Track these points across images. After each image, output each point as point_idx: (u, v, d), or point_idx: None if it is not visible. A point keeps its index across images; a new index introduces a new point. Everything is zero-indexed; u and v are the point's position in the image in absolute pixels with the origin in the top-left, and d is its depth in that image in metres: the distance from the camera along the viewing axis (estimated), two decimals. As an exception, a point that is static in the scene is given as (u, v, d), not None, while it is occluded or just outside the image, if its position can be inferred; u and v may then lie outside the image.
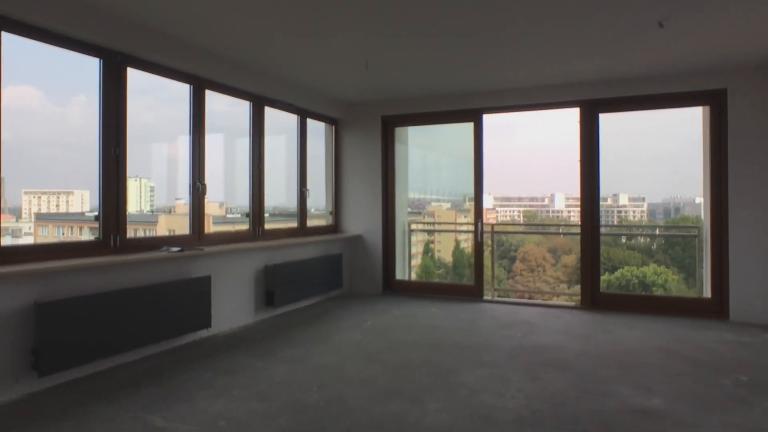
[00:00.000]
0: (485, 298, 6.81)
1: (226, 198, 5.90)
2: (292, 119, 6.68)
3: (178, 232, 5.08)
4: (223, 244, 5.27)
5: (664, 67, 5.48)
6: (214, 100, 5.31)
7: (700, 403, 3.33)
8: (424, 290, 7.16)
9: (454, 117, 6.90)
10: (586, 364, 4.15)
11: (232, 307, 5.30)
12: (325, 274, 6.69)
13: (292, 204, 6.80)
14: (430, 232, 11.52)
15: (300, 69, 5.62)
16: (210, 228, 5.26)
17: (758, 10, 3.97)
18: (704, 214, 6.20)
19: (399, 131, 7.47)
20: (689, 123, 6.45)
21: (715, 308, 5.71)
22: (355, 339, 4.91)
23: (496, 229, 7.49)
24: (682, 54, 5.06)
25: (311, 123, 6.95)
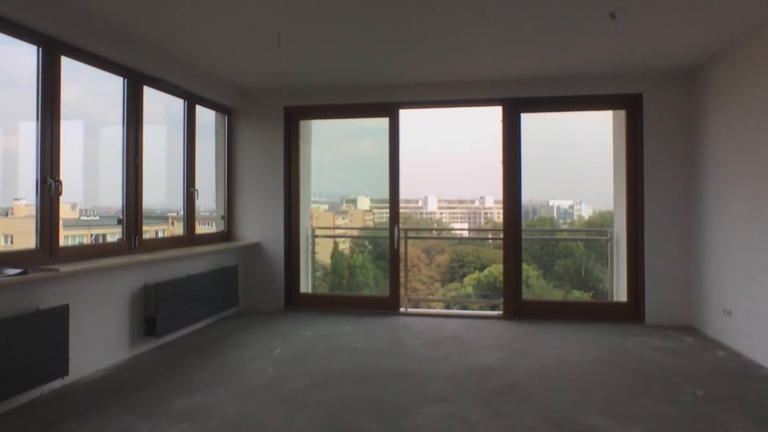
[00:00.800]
0: (401, 310, 6.16)
1: (86, 199, 4.55)
2: (178, 105, 5.45)
3: (18, 244, 3.71)
4: (87, 260, 3.97)
5: (585, 68, 5.30)
6: (74, 72, 3.99)
7: (681, 429, 2.95)
8: (333, 304, 6.33)
9: (367, 111, 6.17)
10: (541, 388, 3.65)
11: (100, 342, 4.03)
12: (219, 290, 5.56)
13: (176, 206, 5.57)
14: (334, 237, 10.65)
15: (190, 43, 4.49)
16: (60, 237, 3.94)
17: (675, 18, 3.96)
18: (616, 218, 6.17)
19: (304, 125, 6.55)
20: (599, 127, 6.42)
21: (632, 312, 5.65)
22: (266, 374, 3.95)
23: (410, 234, 6.89)
24: (604, 57, 4.93)
25: (201, 112, 5.77)
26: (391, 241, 6.12)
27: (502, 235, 6.15)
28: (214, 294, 5.46)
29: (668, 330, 5.28)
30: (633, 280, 5.66)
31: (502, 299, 5.97)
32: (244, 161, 6.37)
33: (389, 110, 6.07)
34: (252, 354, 4.46)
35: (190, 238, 5.50)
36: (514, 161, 5.79)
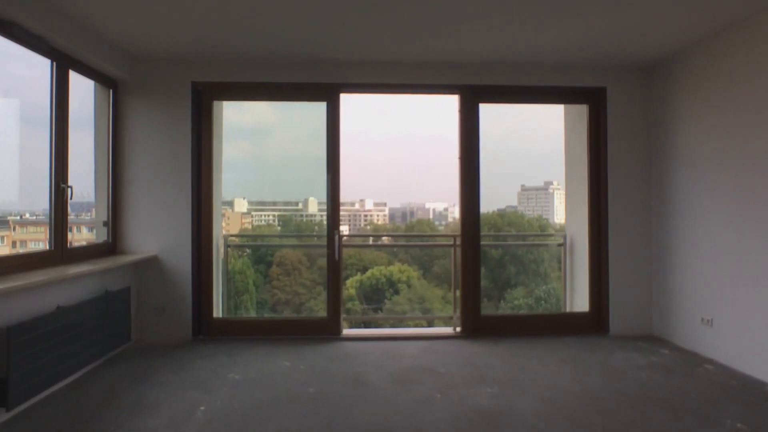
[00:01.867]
0: (343, 333, 5.08)
1: None
2: (44, 68, 3.83)
3: None
4: None
5: (547, 56, 4.74)
6: None
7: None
8: (257, 330, 5.04)
9: (301, 92, 5.00)
10: (572, 439, 2.86)
11: None
12: (104, 323, 4.03)
13: (38, 207, 3.95)
14: (254, 248, 9.34)
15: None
16: None
17: (645, 8, 3.59)
18: (568, 222, 5.71)
19: (219, 107, 5.18)
20: (551, 121, 5.95)
21: (594, 322, 5.18)
22: (198, 456, 2.67)
23: (346, 242, 5.82)
24: (567, 44, 4.41)
25: (77, 82, 4.16)
26: (330, 251, 5.01)
27: (452, 241, 5.40)
28: (97, 329, 3.92)
29: (637, 341, 4.86)
30: (596, 288, 5.19)
31: (456, 314, 5.17)
32: (137, 150, 4.82)
33: (328, 93, 4.96)
34: (164, 421, 3.10)
35: (60, 254, 3.89)
36: (472, 158, 5.02)
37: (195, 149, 4.89)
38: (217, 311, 5.17)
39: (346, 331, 5.09)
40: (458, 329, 5.12)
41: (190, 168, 4.85)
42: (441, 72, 4.95)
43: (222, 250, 5.37)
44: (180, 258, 4.83)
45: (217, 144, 5.13)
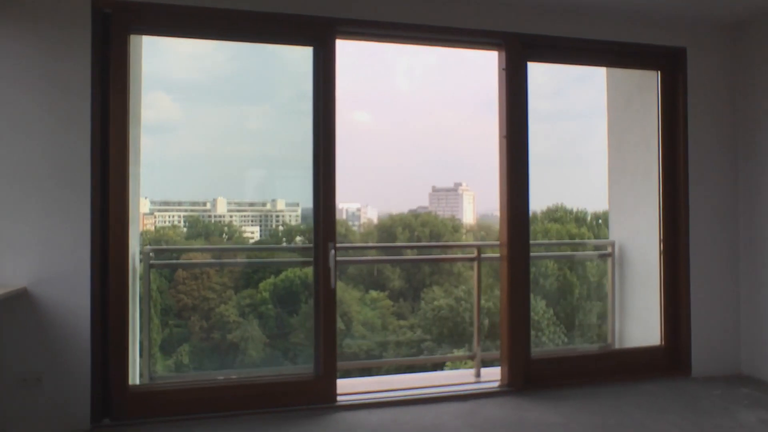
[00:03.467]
0: (339, 401, 3.37)
1: None
2: None
3: None
4: None
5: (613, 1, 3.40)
6: None
7: None
8: (203, 403, 3.16)
9: (275, 29, 3.24)
10: None
11: None
12: None
13: None
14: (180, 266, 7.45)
15: None
16: None
17: None
18: (614, 224, 4.48)
19: (138, 46, 3.26)
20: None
21: (670, 360, 3.93)
22: None
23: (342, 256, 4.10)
24: None
25: None
26: (321, 274, 3.30)
27: (473, 254, 3.98)
28: None
29: (733, 385, 3.69)
30: (671, 315, 3.93)
31: (477, 353, 3.69)
32: (-13, 108, 2.81)
33: (317, 33, 3.25)
34: None
35: None
36: (520, 135, 3.57)
37: (98, 115, 2.95)
38: (135, 375, 3.24)
39: (345, 397, 3.38)
40: (501, 382, 3.62)
41: (89, 146, 2.91)
42: (480, 14, 3.45)
43: (140, 271, 3.44)
44: (69, 292, 2.87)
45: (135, 107, 3.21)
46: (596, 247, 5.18)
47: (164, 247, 5.07)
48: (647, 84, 4.07)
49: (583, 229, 19.25)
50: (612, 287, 4.40)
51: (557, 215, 21.19)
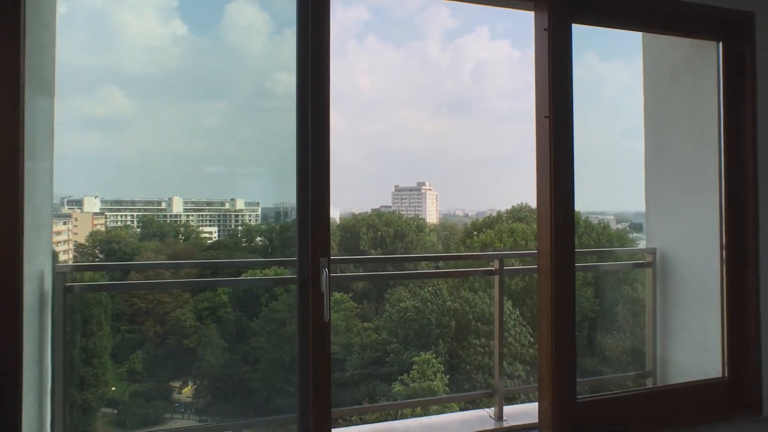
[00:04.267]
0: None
1: None
2: None
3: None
4: None
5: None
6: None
7: None
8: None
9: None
10: None
11: None
12: None
13: None
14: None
15: None
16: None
17: None
18: (651, 226, 3.96)
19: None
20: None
21: (735, 396, 3.43)
22: None
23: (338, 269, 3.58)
24: None
25: None
26: (311, 301, 2.75)
27: (495, 266, 3.53)
28: None
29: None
30: (736, 339, 3.40)
31: (496, 384, 3.25)
32: None
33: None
34: None
35: None
36: (564, 114, 3.01)
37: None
38: None
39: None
40: (541, 424, 3.13)
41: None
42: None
43: (50, 302, 2.73)
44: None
45: (41, 68, 2.60)
46: (631, 257, 4.51)
47: (86, 263, 4.34)
48: (699, 58, 3.53)
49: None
50: (653, 303, 3.80)
51: (522, 215, 21.36)
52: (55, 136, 2.53)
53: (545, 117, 2.99)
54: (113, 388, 34.46)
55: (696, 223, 3.52)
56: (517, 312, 16.68)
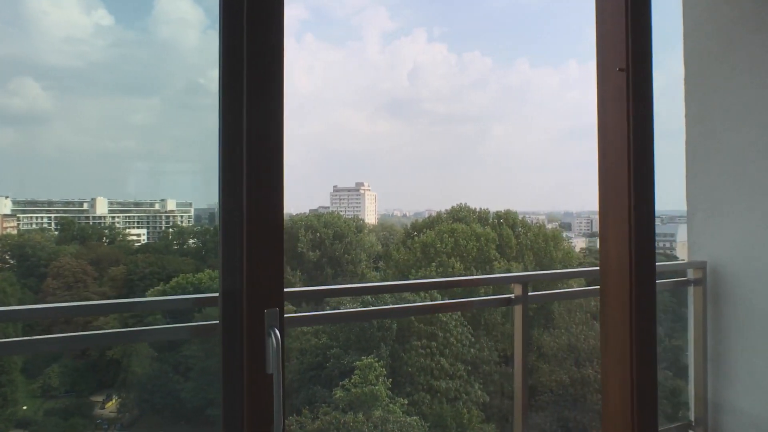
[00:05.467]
0: None
1: None
2: None
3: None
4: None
5: None
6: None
7: None
8: None
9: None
10: None
11: None
12: None
13: None
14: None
15: None
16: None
17: None
18: (695, 234, 3.04)
19: None
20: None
21: None
22: None
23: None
24: None
25: None
26: (245, 351, 1.49)
27: (511, 292, 2.63)
28: None
29: None
30: None
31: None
32: None
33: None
34: None
35: None
36: (644, 78, 2.08)
37: None
38: None
39: None
40: None
41: None
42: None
43: None
44: None
45: None
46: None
47: None
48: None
49: (488, 229, 19.70)
50: (702, 333, 2.88)
51: (461, 215, 21.58)
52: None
53: (620, 70, 2.07)
54: (24, 407, 31.53)
55: (765, 231, 2.66)
56: (459, 313, 16.66)
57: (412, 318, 21.30)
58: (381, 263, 44.11)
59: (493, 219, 21.59)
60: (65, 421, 28.15)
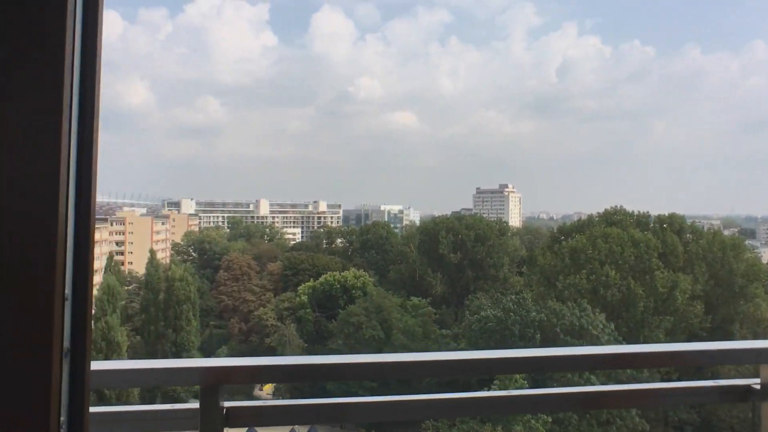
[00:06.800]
0: None
1: None
2: None
3: None
4: None
5: None
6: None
7: None
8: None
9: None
10: None
11: None
12: None
13: None
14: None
15: None
16: None
17: None
18: None
19: None
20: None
21: None
22: None
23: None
24: None
25: None
26: None
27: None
28: None
29: None
30: None
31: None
32: None
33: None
34: None
35: None
36: None
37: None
38: None
39: None
40: None
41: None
42: None
43: None
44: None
45: None
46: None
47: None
48: None
49: (648, 234, 17.40)
50: None
51: (616, 218, 19.41)
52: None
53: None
54: (199, 383, 35.82)
55: None
56: (612, 326, 14.99)
57: (558, 330, 19.47)
58: (525, 268, 41.81)
59: (654, 223, 18.98)
60: (232, 397, 31.48)
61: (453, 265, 50.19)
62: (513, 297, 28.68)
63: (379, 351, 35.54)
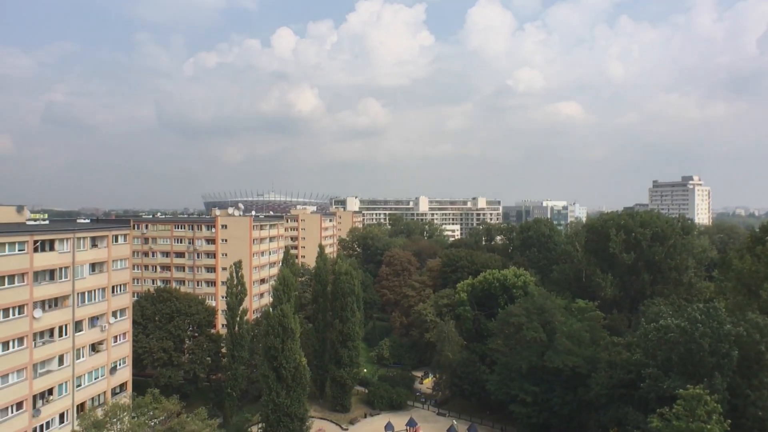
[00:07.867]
0: None
1: None
2: None
3: None
4: None
5: None
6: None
7: None
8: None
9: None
10: None
11: None
12: None
13: None
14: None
15: None
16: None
17: None
18: None
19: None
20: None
21: None
22: None
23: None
24: None
25: None
26: None
27: None
28: None
29: None
30: None
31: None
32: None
33: None
34: None
35: None
36: None
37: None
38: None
39: None
40: None
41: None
42: None
43: None
44: None
45: None
46: None
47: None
48: None
49: None
50: None
51: None
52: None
53: None
54: (365, 370, 38.48)
55: None
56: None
57: (762, 348, 16.53)
58: (716, 272, 36.04)
59: None
60: (393, 387, 33.00)
61: (625, 266, 45.21)
62: (701, 305, 24.68)
63: (542, 355, 33.70)
